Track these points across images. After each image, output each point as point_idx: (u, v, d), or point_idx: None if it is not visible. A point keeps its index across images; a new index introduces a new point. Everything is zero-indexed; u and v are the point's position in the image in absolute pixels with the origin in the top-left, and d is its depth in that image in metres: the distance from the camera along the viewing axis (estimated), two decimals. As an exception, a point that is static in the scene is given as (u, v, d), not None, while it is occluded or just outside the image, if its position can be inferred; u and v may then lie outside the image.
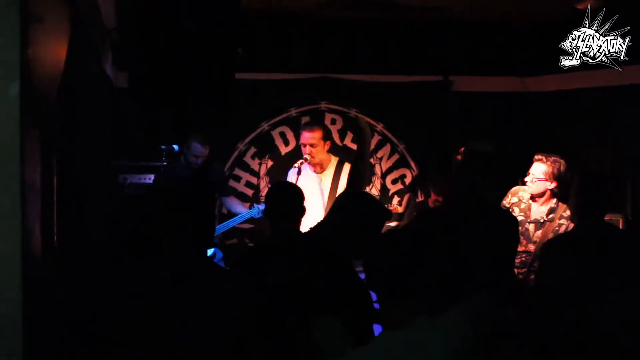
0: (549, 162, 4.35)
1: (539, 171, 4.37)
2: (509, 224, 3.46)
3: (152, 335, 2.41)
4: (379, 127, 6.52)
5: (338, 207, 3.12)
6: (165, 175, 5.35)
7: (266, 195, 3.47)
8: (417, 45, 6.54)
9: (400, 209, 5.52)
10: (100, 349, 2.37)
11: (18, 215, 1.89)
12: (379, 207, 3.14)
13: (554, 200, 4.42)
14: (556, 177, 4.34)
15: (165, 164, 5.39)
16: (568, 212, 4.21)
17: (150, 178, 5.56)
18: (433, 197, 4.64)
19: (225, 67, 5.86)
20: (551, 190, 4.38)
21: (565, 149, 6.25)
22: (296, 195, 3.30)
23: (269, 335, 2.58)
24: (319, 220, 3.31)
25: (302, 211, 3.26)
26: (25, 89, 1.92)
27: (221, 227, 5.55)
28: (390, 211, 3.40)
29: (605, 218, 3.66)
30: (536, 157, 4.42)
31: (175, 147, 5.51)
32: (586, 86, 5.85)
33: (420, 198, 5.67)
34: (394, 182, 6.58)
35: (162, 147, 5.41)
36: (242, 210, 5.78)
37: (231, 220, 5.76)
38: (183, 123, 6.02)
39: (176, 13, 5.88)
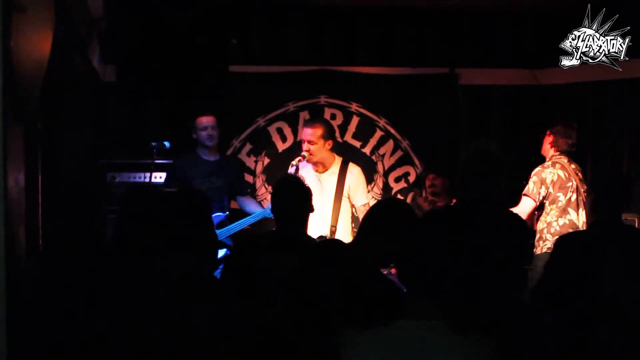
0: None
1: None
2: (517, 228, 3.47)
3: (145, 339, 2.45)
4: (382, 122, 6.54)
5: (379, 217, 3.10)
6: (179, 171, 5.31)
7: (272, 192, 3.54)
8: (422, 36, 6.52)
9: None
10: (84, 351, 2.40)
11: (1, 215, 1.92)
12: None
13: None
14: None
15: (174, 160, 5.39)
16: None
17: (140, 176, 5.55)
18: (427, 182, 4.58)
19: (219, 59, 5.89)
20: None
21: (579, 144, 6.30)
22: (304, 193, 3.36)
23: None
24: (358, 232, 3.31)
25: (309, 210, 3.35)
26: (7, 83, 1.94)
27: (234, 227, 5.35)
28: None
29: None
30: None
31: (167, 143, 5.48)
32: (601, 79, 5.88)
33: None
34: (397, 180, 6.60)
35: (153, 143, 5.39)
36: (256, 210, 5.48)
37: (243, 220, 5.39)
38: (174, 118, 6.03)
39: (167, 2, 5.90)
